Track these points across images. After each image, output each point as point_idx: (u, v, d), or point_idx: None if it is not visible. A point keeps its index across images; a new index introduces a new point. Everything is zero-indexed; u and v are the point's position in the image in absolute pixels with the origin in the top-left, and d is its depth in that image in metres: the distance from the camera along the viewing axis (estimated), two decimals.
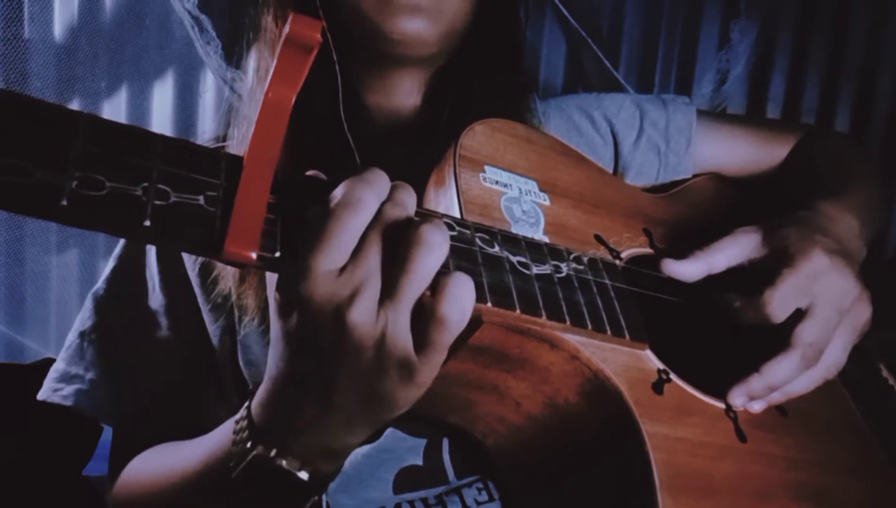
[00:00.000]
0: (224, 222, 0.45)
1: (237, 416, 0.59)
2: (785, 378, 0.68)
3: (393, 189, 0.51)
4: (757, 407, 0.70)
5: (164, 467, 0.78)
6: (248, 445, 0.56)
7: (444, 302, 0.48)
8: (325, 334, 0.49)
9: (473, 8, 0.82)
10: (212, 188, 0.47)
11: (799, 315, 0.69)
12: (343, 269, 0.47)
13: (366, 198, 0.48)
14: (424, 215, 0.52)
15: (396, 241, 0.48)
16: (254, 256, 0.46)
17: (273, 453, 0.55)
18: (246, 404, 0.59)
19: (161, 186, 0.45)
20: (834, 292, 0.69)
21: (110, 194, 0.43)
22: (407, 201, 0.50)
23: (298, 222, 0.49)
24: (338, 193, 0.48)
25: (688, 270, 0.72)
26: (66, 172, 0.42)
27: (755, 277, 0.71)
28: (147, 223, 0.43)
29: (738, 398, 0.69)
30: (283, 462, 0.55)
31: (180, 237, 0.45)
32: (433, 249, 0.48)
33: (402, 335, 0.49)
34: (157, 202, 0.44)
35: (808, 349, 0.68)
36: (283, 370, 0.54)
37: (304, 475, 0.56)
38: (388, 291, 0.48)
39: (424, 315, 0.49)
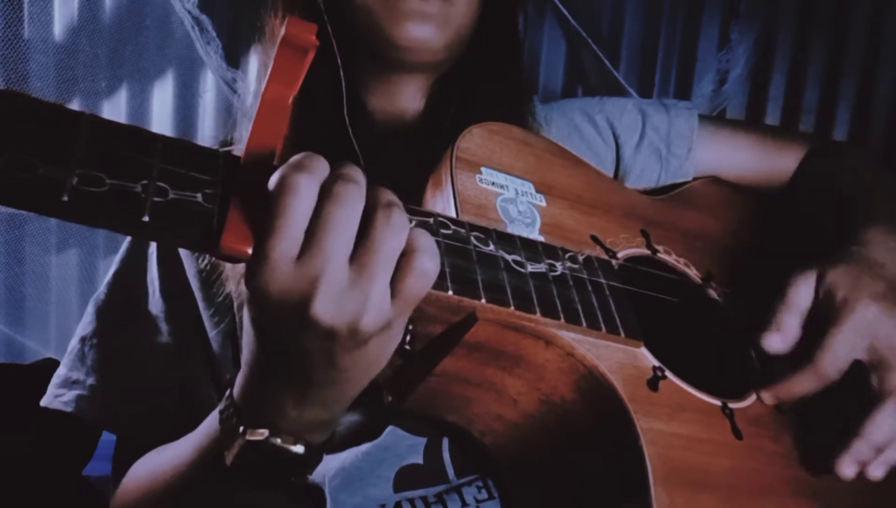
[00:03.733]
0: (221, 219, 0.46)
1: (220, 406, 0.60)
2: (889, 432, 0.68)
3: (335, 167, 0.49)
4: (878, 473, 0.69)
5: (157, 467, 0.78)
6: (241, 430, 0.56)
7: (418, 256, 0.49)
8: (289, 327, 0.49)
9: (477, 16, 0.83)
10: (209, 186, 0.47)
11: (865, 368, 0.68)
12: (300, 257, 0.47)
13: (301, 182, 0.46)
14: (375, 189, 0.50)
15: (352, 217, 0.47)
16: (250, 251, 0.46)
17: (266, 434, 0.56)
18: (227, 392, 0.59)
19: (160, 183, 0.45)
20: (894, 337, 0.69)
21: (110, 191, 0.44)
22: (352, 175, 0.49)
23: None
24: (273, 180, 0.47)
25: (787, 338, 0.70)
26: (68, 169, 0.43)
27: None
28: (146, 219, 0.44)
29: (848, 467, 0.68)
30: (278, 441, 0.56)
31: (178, 233, 0.46)
32: (398, 227, 0.48)
33: (379, 311, 0.48)
34: (156, 199, 0.45)
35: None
36: (258, 359, 0.54)
37: (299, 448, 0.56)
38: (360, 274, 0.48)
39: (401, 272, 0.49)
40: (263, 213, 0.47)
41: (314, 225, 0.47)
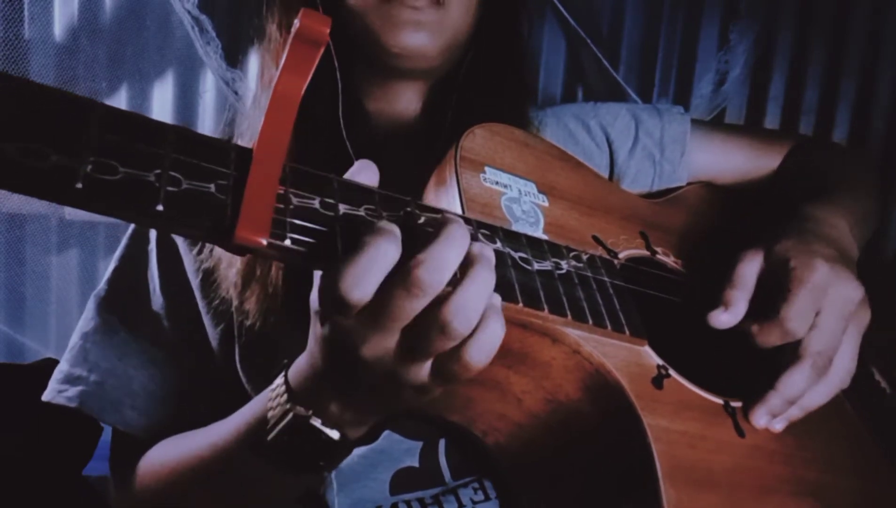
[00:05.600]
0: (234, 210, 0.46)
1: (273, 386, 0.62)
2: (800, 390, 0.68)
3: (428, 249, 0.48)
4: (779, 427, 0.70)
5: (189, 446, 0.79)
6: (288, 406, 0.59)
7: (472, 348, 0.50)
8: (343, 355, 0.53)
9: (475, 21, 0.83)
10: (222, 177, 0.47)
11: None
12: (366, 312, 0.48)
13: (385, 248, 0.47)
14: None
15: (417, 306, 0.48)
16: (264, 242, 0.46)
17: (310, 412, 0.59)
18: (283, 373, 0.62)
19: (173, 173, 0.45)
20: (838, 300, 0.69)
21: (124, 179, 0.44)
22: (438, 267, 0.48)
23: (308, 214, 0.50)
24: (370, 234, 0.47)
25: (735, 314, 0.70)
26: (81, 157, 0.43)
27: (758, 294, 0.71)
28: (160, 208, 0.44)
29: (761, 418, 0.69)
30: (318, 422, 0.58)
31: (192, 223, 0.46)
32: (455, 336, 0.48)
33: (415, 376, 0.52)
34: (170, 188, 0.45)
35: (817, 358, 0.68)
36: (315, 361, 0.57)
37: (335, 434, 0.59)
38: (408, 349, 0.50)
39: (451, 355, 0.50)
40: (269, 206, 0.47)
41: (380, 296, 0.47)
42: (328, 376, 0.56)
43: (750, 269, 0.71)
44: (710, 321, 0.70)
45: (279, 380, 0.62)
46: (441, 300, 0.48)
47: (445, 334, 0.48)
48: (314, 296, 0.54)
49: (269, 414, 0.61)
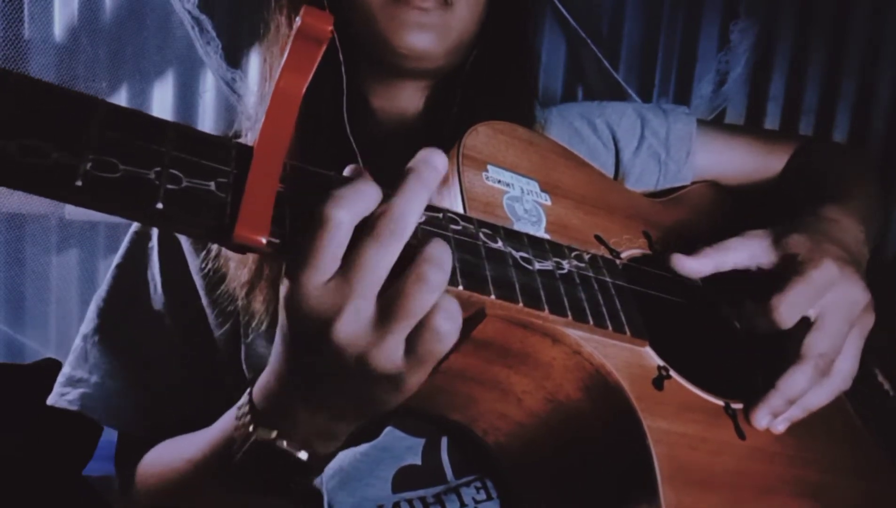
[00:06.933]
0: (234, 208, 0.46)
1: (239, 403, 0.61)
2: (801, 390, 0.68)
3: (385, 201, 0.48)
4: (781, 427, 0.70)
5: (171, 456, 0.79)
6: (251, 429, 0.57)
7: (438, 316, 0.49)
8: (308, 341, 0.50)
9: (481, 21, 0.83)
10: (222, 175, 0.47)
11: (808, 325, 0.68)
12: (332, 282, 0.48)
13: (337, 216, 0.46)
14: (428, 235, 0.50)
15: (386, 257, 0.48)
16: (263, 240, 0.46)
17: (274, 435, 0.57)
18: (248, 391, 0.60)
19: (173, 171, 0.45)
20: (843, 302, 0.69)
21: (124, 177, 0.44)
22: (396, 213, 0.48)
23: (306, 212, 0.49)
24: (318, 208, 0.47)
25: (696, 266, 0.70)
26: (82, 155, 0.43)
27: (761, 283, 0.70)
28: (159, 206, 0.44)
29: (763, 418, 0.69)
30: (284, 443, 0.57)
31: (192, 221, 0.46)
32: (433, 287, 0.48)
33: (390, 355, 0.50)
34: (170, 186, 0.45)
35: (819, 359, 0.68)
36: (279, 366, 0.55)
37: (303, 455, 0.57)
38: (384, 316, 0.48)
39: (418, 326, 0.49)
40: (269, 204, 0.47)
41: (349, 258, 0.47)
42: (292, 380, 0.55)
43: (743, 244, 0.71)
44: (672, 261, 0.70)
45: (244, 398, 0.60)
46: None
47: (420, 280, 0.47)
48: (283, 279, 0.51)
49: (235, 435, 0.60)
